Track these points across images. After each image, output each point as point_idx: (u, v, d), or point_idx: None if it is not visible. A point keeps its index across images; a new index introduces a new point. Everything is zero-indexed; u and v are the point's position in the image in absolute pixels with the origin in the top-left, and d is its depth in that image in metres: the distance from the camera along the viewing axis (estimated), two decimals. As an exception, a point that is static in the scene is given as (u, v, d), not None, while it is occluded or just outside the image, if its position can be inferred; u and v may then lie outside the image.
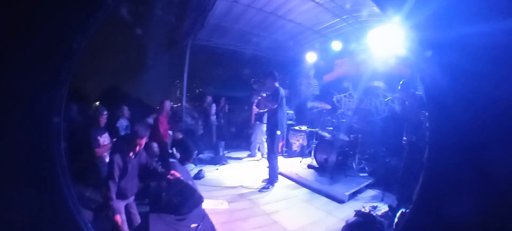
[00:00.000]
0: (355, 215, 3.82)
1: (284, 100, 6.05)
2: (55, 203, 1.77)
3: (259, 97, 6.41)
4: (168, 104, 6.94)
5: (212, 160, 7.87)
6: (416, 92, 4.64)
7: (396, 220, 3.86)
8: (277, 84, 6.01)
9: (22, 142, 1.65)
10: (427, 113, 4.26)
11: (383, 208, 4.78)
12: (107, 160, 4.22)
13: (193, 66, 9.68)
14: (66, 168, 1.88)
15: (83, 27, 1.77)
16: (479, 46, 1.60)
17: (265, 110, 6.54)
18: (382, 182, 5.90)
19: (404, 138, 4.66)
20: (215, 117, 9.29)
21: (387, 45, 6.49)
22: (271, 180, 6.06)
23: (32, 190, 1.67)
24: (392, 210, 4.40)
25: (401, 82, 4.76)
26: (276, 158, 6.16)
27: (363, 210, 3.84)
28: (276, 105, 5.86)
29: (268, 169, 6.19)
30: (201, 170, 6.52)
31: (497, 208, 1.60)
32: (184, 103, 9.44)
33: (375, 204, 4.45)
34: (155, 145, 5.67)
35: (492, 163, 1.59)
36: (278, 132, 5.96)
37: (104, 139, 4.67)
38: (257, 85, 6.78)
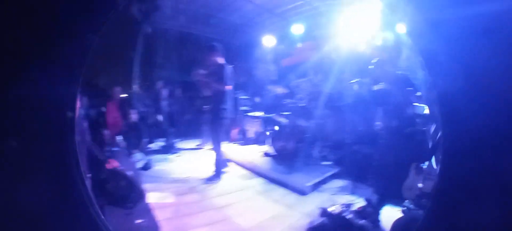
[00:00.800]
0: (322, 215, 3.18)
1: (231, 80, 5.27)
2: (69, 195, 1.82)
3: (199, 76, 5.40)
4: (116, 91, 6.77)
5: (163, 149, 7.35)
6: (397, 72, 4.13)
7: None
8: (221, 61, 5.22)
9: (37, 135, 1.69)
10: (417, 93, 3.81)
11: (357, 202, 4.25)
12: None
13: (147, 51, 9.08)
14: (79, 161, 1.93)
15: (95, 25, 1.83)
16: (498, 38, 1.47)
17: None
18: (351, 171, 5.43)
19: (378, 123, 4.13)
20: (166, 103, 8.54)
21: (359, 28, 6.15)
22: (217, 173, 5.35)
23: (46, 183, 1.71)
24: (373, 205, 3.90)
25: (374, 61, 4.21)
26: (220, 147, 5.47)
27: (331, 209, 3.16)
28: (224, 87, 5.07)
29: (214, 160, 5.44)
30: (149, 160, 6.00)
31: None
32: (135, 89, 8.72)
33: (349, 201, 3.85)
34: (106, 133, 5.54)
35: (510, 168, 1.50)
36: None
37: None
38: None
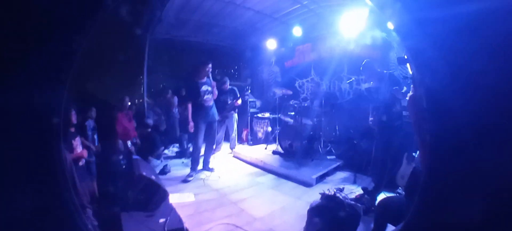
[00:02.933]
0: (321, 198, 3.65)
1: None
2: (54, 203, 1.77)
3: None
4: (125, 100, 6.96)
5: (178, 154, 7.71)
6: (384, 71, 4.52)
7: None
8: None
9: (21, 142, 1.64)
10: (402, 91, 4.18)
11: (357, 190, 4.75)
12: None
13: (154, 61, 9.32)
14: (65, 169, 1.91)
15: (83, 28, 1.78)
16: (485, 36, 1.44)
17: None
18: (352, 164, 5.91)
19: (371, 119, 4.58)
20: (177, 110, 8.88)
21: (353, 28, 6.44)
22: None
23: (31, 190, 1.66)
24: (369, 192, 4.32)
25: (363, 63, 4.63)
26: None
27: (327, 192, 3.61)
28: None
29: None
30: (166, 165, 6.31)
31: (502, 213, 1.50)
32: (146, 98, 9.06)
33: (341, 186, 4.30)
34: (120, 143, 5.75)
35: (496, 164, 1.48)
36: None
37: (76, 142, 4.42)
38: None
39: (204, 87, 5.82)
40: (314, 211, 3.34)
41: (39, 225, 1.68)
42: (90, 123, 5.37)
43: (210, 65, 5.88)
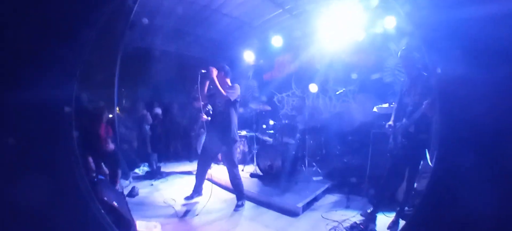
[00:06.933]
0: None
1: None
2: (69, 191, 1.86)
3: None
4: (106, 112, 6.45)
5: (148, 175, 7.07)
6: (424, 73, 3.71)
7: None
8: None
9: (35, 132, 1.73)
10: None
11: (350, 215, 4.10)
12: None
13: (126, 70, 8.55)
14: (78, 157, 1.96)
15: (91, 20, 1.86)
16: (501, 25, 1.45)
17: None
18: (342, 184, 5.28)
19: (389, 123, 3.77)
20: (149, 126, 8.16)
21: (339, 33, 5.85)
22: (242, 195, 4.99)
23: (46, 179, 1.72)
24: (369, 216, 3.66)
25: (403, 47, 3.86)
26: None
27: None
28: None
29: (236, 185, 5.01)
30: (134, 187, 5.69)
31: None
32: (117, 112, 8.18)
33: (343, 217, 3.56)
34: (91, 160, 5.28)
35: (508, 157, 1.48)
36: None
37: None
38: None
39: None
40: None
41: (54, 211, 1.75)
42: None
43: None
